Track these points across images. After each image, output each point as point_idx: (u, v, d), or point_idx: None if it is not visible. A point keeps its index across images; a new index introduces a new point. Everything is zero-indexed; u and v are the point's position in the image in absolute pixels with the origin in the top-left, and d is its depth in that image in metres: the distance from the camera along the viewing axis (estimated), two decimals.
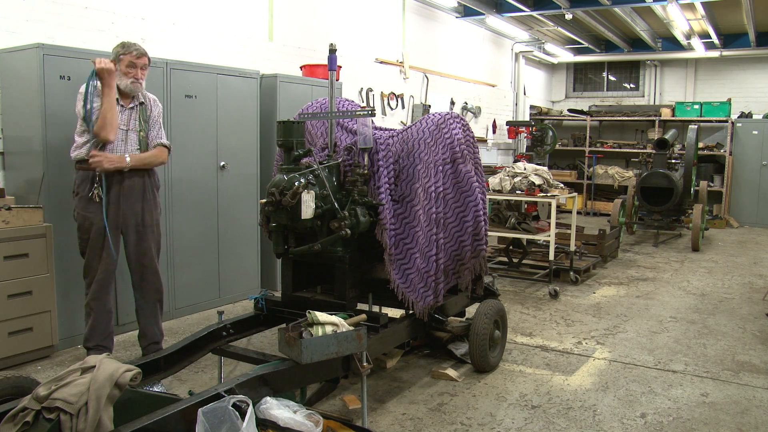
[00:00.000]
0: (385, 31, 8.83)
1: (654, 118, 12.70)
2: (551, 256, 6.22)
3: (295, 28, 7.18)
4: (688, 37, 11.64)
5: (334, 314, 3.02)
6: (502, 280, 6.49)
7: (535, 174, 6.34)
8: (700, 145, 11.68)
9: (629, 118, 13.15)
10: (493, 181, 6.42)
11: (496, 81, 12.21)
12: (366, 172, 3.43)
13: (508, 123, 10.66)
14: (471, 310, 4.22)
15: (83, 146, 3.63)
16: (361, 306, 3.62)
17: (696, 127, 9.40)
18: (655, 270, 7.39)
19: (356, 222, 3.32)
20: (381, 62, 8.74)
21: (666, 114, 12.50)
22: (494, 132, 11.99)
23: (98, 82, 3.59)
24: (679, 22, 10.31)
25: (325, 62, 3.68)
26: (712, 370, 4.14)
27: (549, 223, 6.18)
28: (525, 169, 6.45)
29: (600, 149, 13.20)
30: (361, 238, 3.46)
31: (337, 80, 4.44)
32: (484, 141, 11.52)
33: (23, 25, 4.57)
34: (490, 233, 6.61)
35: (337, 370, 3.00)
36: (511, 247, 6.96)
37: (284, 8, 6.99)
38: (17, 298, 3.92)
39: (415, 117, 9.32)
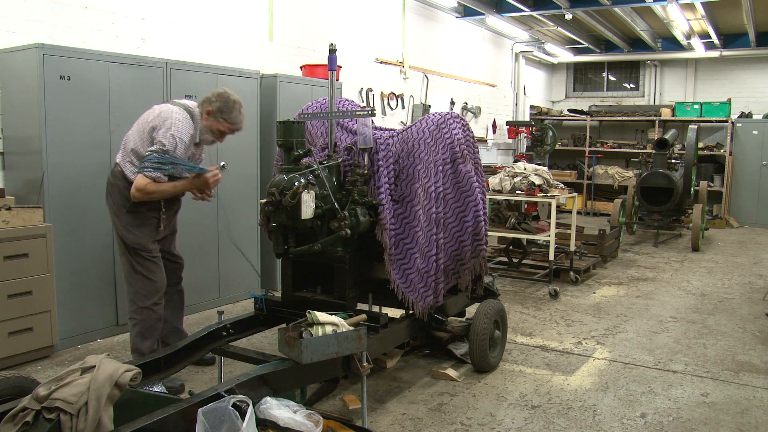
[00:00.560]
0: (385, 31, 8.83)
1: (654, 118, 12.70)
2: (551, 256, 6.21)
3: (295, 28, 7.18)
4: (688, 37, 11.64)
5: (334, 314, 3.02)
6: (502, 280, 6.49)
7: (535, 174, 6.34)
8: (700, 145, 11.68)
9: (629, 118, 13.15)
10: (493, 181, 6.42)
11: (496, 81, 12.21)
12: (366, 172, 3.43)
13: (508, 123, 10.66)
14: (471, 310, 4.22)
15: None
16: (361, 306, 3.62)
17: (696, 127, 9.40)
18: (655, 270, 7.39)
19: (356, 222, 3.31)
20: (381, 62, 8.74)
21: (666, 114, 12.50)
22: (494, 132, 11.99)
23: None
24: (679, 22, 10.31)
25: (325, 62, 3.68)
26: (712, 370, 4.14)
27: (549, 223, 6.18)
28: (525, 169, 6.45)
29: (600, 149, 13.20)
30: (361, 238, 3.46)
31: (337, 80, 4.44)
32: (484, 141, 11.52)
33: (23, 25, 4.58)
34: (490, 233, 6.60)
35: (337, 370, 3.00)
36: (511, 247, 6.96)
37: (284, 8, 6.99)
38: (17, 298, 3.92)
39: (415, 117, 9.32)
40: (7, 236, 3.87)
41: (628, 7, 9.81)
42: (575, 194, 6.73)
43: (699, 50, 12.43)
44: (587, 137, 13.39)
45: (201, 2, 5.99)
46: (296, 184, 3.16)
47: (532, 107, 13.94)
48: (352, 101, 4.18)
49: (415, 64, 9.46)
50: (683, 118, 12.21)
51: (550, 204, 6.18)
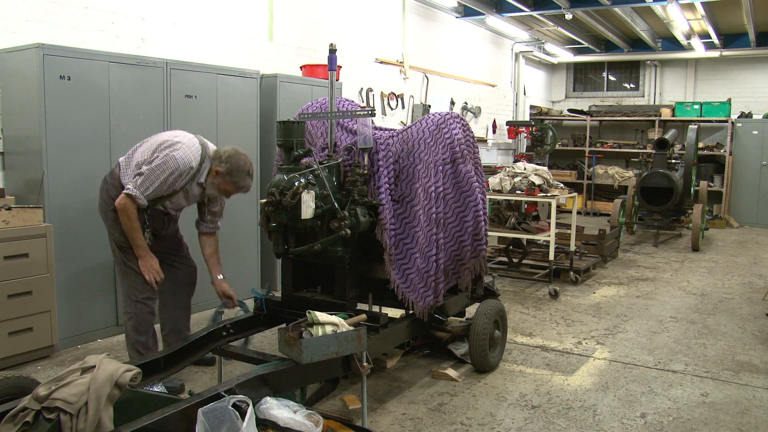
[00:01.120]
0: (385, 31, 8.83)
1: (654, 118, 12.70)
2: (551, 256, 6.21)
3: (295, 28, 7.18)
4: (688, 37, 11.64)
5: (334, 314, 3.02)
6: (502, 280, 6.49)
7: (535, 174, 6.34)
8: (700, 145, 11.68)
9: (629, 118, 13.15)
10: (493, 181, 6.42)
11: (496, 81, 12.21)
12: (366, 172, 3.43)
13: (508, 123, 10.66)
14: (471, 310, 4.22)
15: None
16: (361, 306, 3.62)
17: (696, 127, 9.40)
18: (655, 270, 7.39)
19: (356, 222, 3.31)
20: (381, 62, 8.74)
21: (666, 114, 12.50)
22: (494, 132, 11.99)
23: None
24: (679, 22, 10.31)
25: (325, 62, 3.68)
26: (712, 370, 4.14)
27: (549, 223, 6.18)
28: (525, 169, 6.45)
29: (600, 149, 13.20)
30: (361, 238, 3.46)
31: (337, 80, 4.44)
32: (484, 141, 11.52)
33: (23, 25, 4.57)
34: (490, 233, 6.60)
35: (337, 370, 3.00)
36: (511, 247, 6.96)
37: (284, 8, 6.99)
38: (17, 298, 3.92)
39: (415, 117, 9.32)
40: (7, 236, 3.87)
41: (628, 7, 9.81)
42: (575, 194, 6.73)
43: (699, 50, 12.43)
44: (587, 137, 13.39)
45: (201, 2, 5.99)
46: (296, 184, 3.16)
47: (532, 107, 13.94)
48: (352, 101, 4.18)
49: (415, 64, 9.46)
50: (683, 118, 12.21)
51: (550, 204, 6.18)
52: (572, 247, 6.53)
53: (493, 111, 12.16)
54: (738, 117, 11.97)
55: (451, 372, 3.90)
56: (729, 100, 11.97)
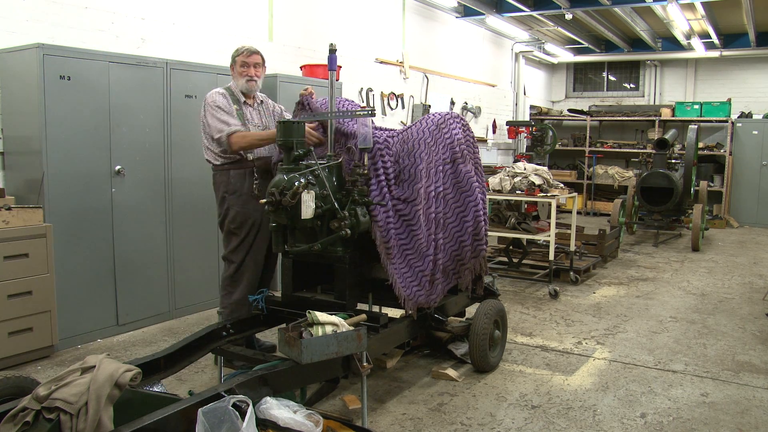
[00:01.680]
0: (385, 31, 8.83)
1: (654, 118, 12.70)
2: (551, 256, 6.21)
3: (295, 28, 7.18)
4: (688, 37, 11.64)
5: (334, 314, 3.02)
6: (502, 280, 6.49)
7: (535, 174, 6.34)
8: (700, 145, 11.68)
9: (629, 118, 13.15)
10: (493, 181, 6.41)
11: (496, 81, 12.21)
12: (366, 172, 3.43)
13: (508, 123, 10.65)
14: (471, 310, 4.22)
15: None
16: (361, 306, 3.62)
17: (696, 127, 9.40)
18: (655, 270, 7.39)
19: (356, 222, 3.31)
20: (381, 62, 8.74)
21: (666, 114, 12.50)
22: (494, 132, 11.99)
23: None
24: (679, 22, 10.31)
25: (325, 62, 3.68)
26: (712, 370, 4.14)
27: (549, 223, 6.18)
28: (525, 169, 6.45)
29: (600, 149, 13.20)
30: (362, 237, 3.46)
31: (337, 80, 4.43)
32: (484, 141, 11.52)
33: (23, 25, 4.57)
34: (490, 233, 6.59)
35: (337, 370, 3.00)
36: (511, 247, 6.96)
37: (284, 8, 6.99)
38: (17, 298, 3.92)
39: (415, 117, 9.32)
40: (7, 236, 3.87)
41: (628, 7, 9.81)
42: (575, 194, 6.73)
43: (699, 50, 12.42)
44: (587, 137, 13.39)
45: (201, 2, 5.99)
46: (296, 184, 3.16)
47: (532, 107, 13.94)
48: (352, 101, 4.17)
49: (415, 64, 9.46)
50: (683, 118, 12.21)
51: (550, 204, 6.18)
52: (572, 247, 6.53)
53: (493, 111, 12.16)
54: (738, 117, 11.97)
55: (451, 372, 3.90)
56: (729, 100, 11.96)
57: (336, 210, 3.28)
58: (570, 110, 14.25)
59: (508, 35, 12.22)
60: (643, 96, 14.20)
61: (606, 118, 13.66)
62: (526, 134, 10.21)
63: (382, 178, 3.44)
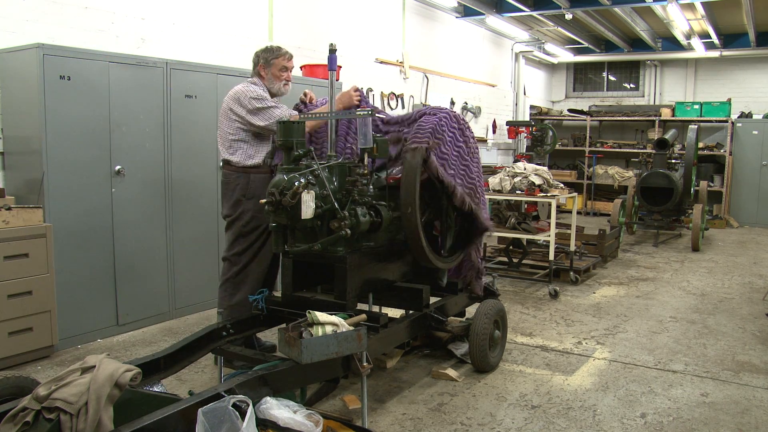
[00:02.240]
0: (385, 31, 8.83)
1: (654, 118, 12.70)
2: (551, 256, 6.21)
3: (295, 28, 7.18)
4: (688, 37, 11.64)
5: (334, 314, 3.02)
6: (502, 280, 6.49)
7: (535, 174, 6.34)
8: (700, 145, 11.68)
9: (629, 118, 13.15)
10: (493, 181, 6.41)
11: (496, 81, 12.21)
12: (366, 172, 3.43)
13: (508, 123, 10.65)
14: (471, 310, 4.22)
15: (261, 153, 3.89)
16: (361, 306, 3.62)
17: (696, 127, 9.40)
18: (655, 270, 7.39)
19: (356, 222, 3.31)
20: (381, 62, 8.74)
21: (666, 114, 12.50)
22: (494, 132, 11.99)
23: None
24: (679, 22, 10.31)
25: (325, 62, 3.68)
26: (712, 370, 4.15)
27: (549, 223, 6.18)
28: (525, 169, 6.45)
29: (600, 149, 13.20)
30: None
31: (337, 80, 4.43)
32: (484, 141, 11.52)
33: (23, 25, 4.57)
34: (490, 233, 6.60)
35: (337, 370, 3.00)
36: (511, 247, 6.96)
37: (284, 8, 6.99)
38: (17, 298, 3.92)
39: None
40: (7, 236, 3.87)
41: (628, 7, 9.81)
42: (575, 194, 6.73)
43: (699, 50, 12.42)
44: (587, 137, 13.39)
45: (201, 2, 5.99)
46: (296, 184, 3.16)
47: (532, 107, 13.94)
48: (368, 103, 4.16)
49: (415, 64, 9.46)
50: (683, 118, 12.21)
51: (550, 204, 6.18)
52: (572, 247, 6.53)
53: (493, 111, 12.15)
54: (738, 117, 11.97)
55: (451, 372, 3.90)
56: (729, 100, 11.96)
57: (336, 210, 3.28)
58: (570, 110, 14.25)
59: (508, 35, 12.22)
60: (643, 96, 14.20)
61: (606, 118, 13.66)
62: (526, 134, 10.21)
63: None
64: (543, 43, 12.70)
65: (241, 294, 3.91)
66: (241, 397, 2.43)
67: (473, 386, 3.79)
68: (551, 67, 14.99)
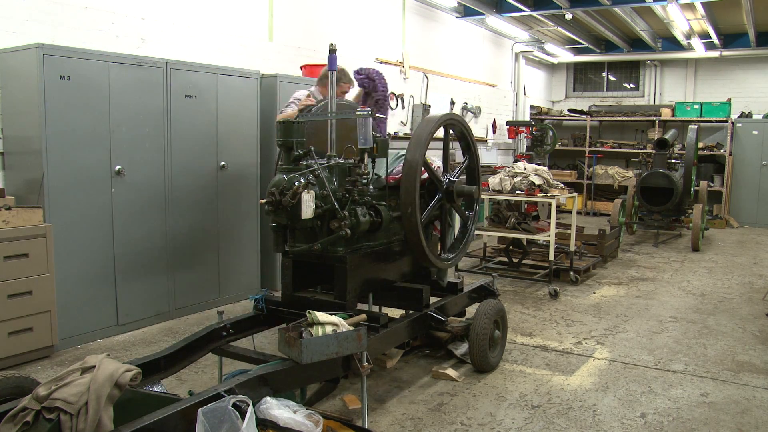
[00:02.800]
0: (385, 31, 8.83)
1: (654, 118, 12.70)
2: (551, 256, 6.21)
3: (295, 28, 7.18)
4: (688, 37, 11.64)
5: (334, 314, 3.02)
6: (502, 280, 6.49)
7: (535, 174, 6.34)
8: (700, 145, 11.67)
9: (629, 118, 13.15)
10: (493, 181, 6.41)
11: (496, 81, 12.20)
12: (366, 171, 3.43)
13: (508, 123, 10.66)
14: (471, 310, 4.22)
15: None
16: (361, 306, 3.62)
17: (696, 127, 9.40)
18: (655, 270, 7.39)
19: (356, 222, 3.32)
20: (381, 62, 8.74)
21: (666, 114, 12.50)
22: (494, 132, 11.99)
23: None
24: (679, 22, 10.31)
25: (325, 62, 3.68)
26: (712, 370, 4.14)
27: (549, 223, 6.18)
28: (525, 169, 6.45)
29: (600, 149, 13.20)
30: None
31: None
32: (484, 141, 11.52)
33: (23, 25, 4.57)
34: (490, 233, 6.62)
35: (337, 370, 3.00)
36: (511, 247, 6.96)
37: (284, 8, 6.99)
38: (17, 298, 3.92)
39: (415, 117, 9.32)
40: (7, 236, 3.87)
41: (628, 7, 9.80)
42: (575, 194, 6.73)
43: (699, 50, 12.42)
44: (587, 137, 13.39)
45: (201, 2, 5.99)
46: (296, 184, 3.16)
47: (532, 107, 13.94)
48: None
49: (415, 64, 9.46)
50: (683, 118, 12.21)
51: (550, 204, 6.17)
52: (572, 247, 6.53)
53: (493, 111, 12.15)
54: (738, 117, 11.97)
55: (451, 372, 3.90)
56: (729, 100, 11.96)
57: (336, 210, 3.28)
58: (570, 110, 14.25)
59: (508, 35, 12.22)
60: (643, 96, 14.20)
61: (606, 118, 13.66)
62: (526, 134, 10.22)
63: None
64: (543, 43, 12.70)
65: None
66: (241, 397, 2.43)
67: (473, 386, 3.79)
68: (551, 67, 14.99)
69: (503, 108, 12.62)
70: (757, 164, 11.52)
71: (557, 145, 11.31)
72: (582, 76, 15.14)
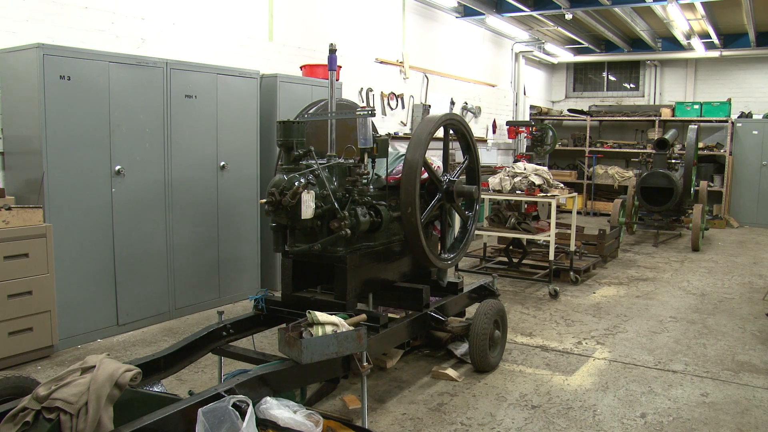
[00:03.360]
0: (385, 31, 8.83)
1: (654, 118, 12.70)
2: (551, 256, 6.21)
3: (295, 28, 7.18)
4: (688, 37, 11.64)
5: (334, 314, 3.02)
6: (502, 280, 6.49)
7: (535, 174, 6.34)
8: (700, 145, 11.68)
9: (629, 118, 13.15)
10: (493, 181, 6.41)
11: (496, 81, 12.21)
12: (366, 171, 3.43)
13: (508, 123, 10.66)
14: (471, 310, 4.22)
15: None
16: (361, 306, 3.62)
17: (696, 127, 9.40)
18: (655, 270, 7.39)
19: (356, 222, 3.32)
20: (381, 62, 8.74)
21: (666, 114, 12.50)
22: (494, 132, 11.99)
23: None
24: (679, 22, 10.31)
25: (325, 62, 3.68)
26: (712, 370, 4.15)
27: (549, 223, 6.18)
28: (525, 169, 6.45)
29: (600, 149, 13.20)
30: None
31: (337, 80, 4.44)
32: (484, 141, 11.52)
33: (23, 25, 4.58)
34: (490, 233, 6.62)
35: (337, 370, 3.00)
36: (511, 247, 6.96)
37: (284, 8, 6.99)
38: (17, 298, 3.92)
39: (415, 117, 9.32)
40: (7, 236, 3.87)
41: (628, 7, 9.80)
42: (575, 194, 6.73)
43: (699, 50, 12.42)
44: (587, 137, 13.39)
45: (201, 2, 5.99)
46: (296, 184, 3.16)
47: (532, 107, 13.94)
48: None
49: (415, 64, 9.46)
50: (683, 118, 12.21)
51: (550, 204, 6.17)
52: (572, 247, 6.53)
53: (493, 111, 12.15)
54: (738, 117, 11.97)
55: (451, 372, 3.90)
56: (729, 100, 11.96)
57: (336, 210, 3.28)
58: (570, 110, 14.25)
59: (508, 35, 12.22)
60: (643, 96, 14.20)
61: (606, 118, 13.66)
62: (526, 134, 10.23)
63: None
64: (543, 43, 12.70)
65: None
66: (241, 397, 2.43)
67: (473, 386, 3.79)
68: (551, 67, 14.99)
69: (503, 108, 12.62)
70: (757, 164, 11.52)
71: (557, 145, 11.31)
72: (582, 76, 15.14)
